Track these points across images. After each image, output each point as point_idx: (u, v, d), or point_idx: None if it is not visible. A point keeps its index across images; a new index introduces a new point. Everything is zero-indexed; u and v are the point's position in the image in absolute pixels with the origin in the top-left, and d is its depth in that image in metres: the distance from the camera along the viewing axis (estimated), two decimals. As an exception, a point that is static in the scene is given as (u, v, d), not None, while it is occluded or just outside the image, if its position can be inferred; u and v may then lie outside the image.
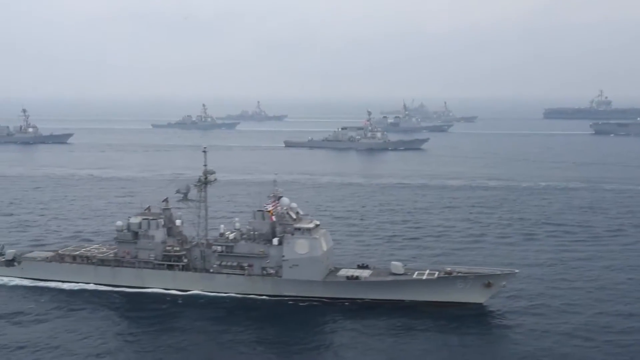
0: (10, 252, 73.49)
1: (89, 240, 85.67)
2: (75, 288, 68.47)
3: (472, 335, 56.31)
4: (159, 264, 67.01)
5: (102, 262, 69.06)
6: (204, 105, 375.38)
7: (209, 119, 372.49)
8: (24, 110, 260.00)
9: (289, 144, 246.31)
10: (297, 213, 65.84)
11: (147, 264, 67.49)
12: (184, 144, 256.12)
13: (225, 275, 65.09)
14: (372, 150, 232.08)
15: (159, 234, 67.55)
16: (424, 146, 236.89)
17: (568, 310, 61.06)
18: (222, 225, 68.55)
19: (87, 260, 69.71)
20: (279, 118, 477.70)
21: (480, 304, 62.32)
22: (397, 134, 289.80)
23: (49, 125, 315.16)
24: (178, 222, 69.60)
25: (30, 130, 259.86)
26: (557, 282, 69.85)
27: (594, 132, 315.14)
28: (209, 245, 66.71)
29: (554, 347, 52.93)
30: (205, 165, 69.17)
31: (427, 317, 59.70)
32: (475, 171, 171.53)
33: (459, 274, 62.22)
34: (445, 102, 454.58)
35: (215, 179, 70.19)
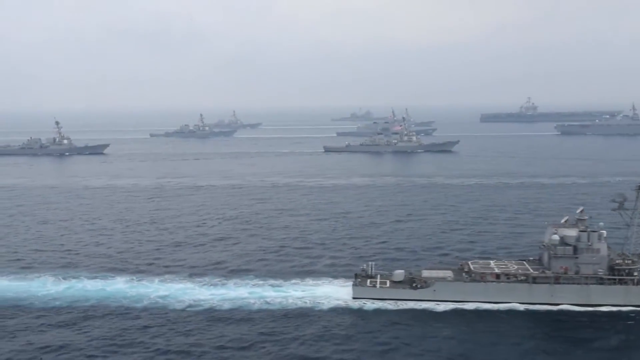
0: (399, 273, 58.96)
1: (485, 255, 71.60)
2: (502, 309, 55.39)
3: None
4: (609, 279, 55.10)
5: (535, 279, 56.03)
6: (201, 115, 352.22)
7: (207, 128, 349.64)
8: (57, 123, 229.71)
9: (328, 149, 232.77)
10: None
11: (590, 280, 55.37)
12: (223, 152, 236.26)
13: (690, 288, 54.28)
14: (408, 153, 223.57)
15: (603, 247, 55.56)
16: (454, 148, 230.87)
17: None
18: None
19: (514, 278, 56.41)
20: (253, 126, 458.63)
21: None
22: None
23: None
24: (604, 232, 57.70)
25: (65, 141, 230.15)
26: None
27: (559, 133, 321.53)
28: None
29: None
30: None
31: None
32: (545, 169, 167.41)
33: None
34: (406, 109, 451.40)
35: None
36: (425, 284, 56.69)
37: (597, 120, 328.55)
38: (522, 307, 55.14)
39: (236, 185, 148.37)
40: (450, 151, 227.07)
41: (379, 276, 59.99)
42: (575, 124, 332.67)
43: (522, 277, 56.06)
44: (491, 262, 60.48)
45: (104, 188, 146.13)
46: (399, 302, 56.65)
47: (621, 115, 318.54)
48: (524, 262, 59.73)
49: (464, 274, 57.91)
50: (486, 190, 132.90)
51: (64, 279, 70.56)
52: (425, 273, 59.19)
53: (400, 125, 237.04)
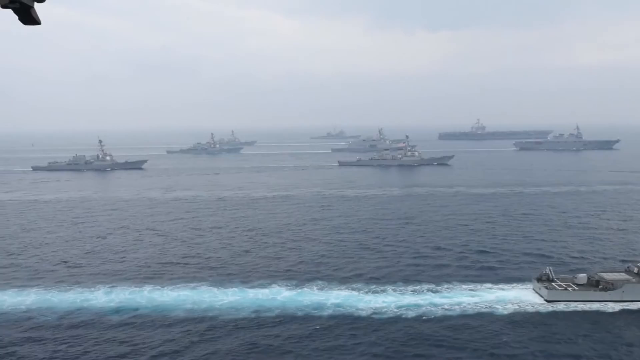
0: (582, 276, 54.48)
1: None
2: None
3: None
4: None
5: None
6: (212, 133, 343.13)
7: (217, 145, 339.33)
8: (100, 141, 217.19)
9: (342, 163, 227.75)
10: None
11: None
12: (245, 166, 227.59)
13: None
14: (411, 166, 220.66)
15: None
16: (450, 162, 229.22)
17: None
18: None
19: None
20: (250, 143, 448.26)
21: None
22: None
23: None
24: None
25: (108, 158, 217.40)
26: None
27: (518, 149, 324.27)
28: None
29: None
30: None
31: None
32: (539, 179, 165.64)
33: None
34: (382, 129, 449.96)
35: None
36: (612, 286, 52.34)
37: (548, 138, 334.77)
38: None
39: (287, 197, 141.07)
40: (447, 164, 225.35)
41: (557, 279, 55.28)
42: (530, 141, 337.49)
43: None
44: None
45: (171, 200, 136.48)
46: (586, 304, 52.00)
47: (568, 134, 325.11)
48: None
49: None
50: (511, 198, 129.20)
51: (224, 287, 62.96)
52: (606, 276, 54.88)
53: (404, 142, 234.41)
